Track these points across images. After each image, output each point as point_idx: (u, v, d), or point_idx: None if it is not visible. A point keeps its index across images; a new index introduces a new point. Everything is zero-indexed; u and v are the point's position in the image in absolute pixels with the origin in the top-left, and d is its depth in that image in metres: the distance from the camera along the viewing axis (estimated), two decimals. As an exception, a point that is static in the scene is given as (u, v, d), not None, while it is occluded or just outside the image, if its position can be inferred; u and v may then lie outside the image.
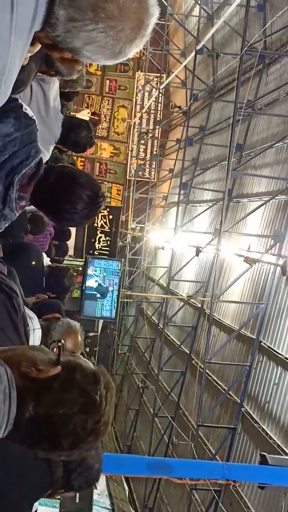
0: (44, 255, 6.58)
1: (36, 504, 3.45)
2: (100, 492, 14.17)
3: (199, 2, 18.15)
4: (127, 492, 16.15)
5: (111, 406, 1.69)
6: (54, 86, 4.28)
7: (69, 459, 1.82)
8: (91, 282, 20.79)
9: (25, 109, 2.36)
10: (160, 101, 24.66)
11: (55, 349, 1.69)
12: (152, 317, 20.84)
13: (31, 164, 2.32)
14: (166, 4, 20.15)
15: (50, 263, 6.63)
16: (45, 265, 6.16)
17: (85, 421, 1.62)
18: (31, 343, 2.92)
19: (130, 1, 1.47)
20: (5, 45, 1.42)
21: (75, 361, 1.70)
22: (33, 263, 5.53)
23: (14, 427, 1.57)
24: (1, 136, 2.19)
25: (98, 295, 20.83)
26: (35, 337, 3.15)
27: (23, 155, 2.27)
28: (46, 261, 6.45)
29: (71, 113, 8.55)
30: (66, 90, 5.16)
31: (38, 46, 1.68)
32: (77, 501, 11.95)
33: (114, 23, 1.47)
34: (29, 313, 3.22)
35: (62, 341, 1.72)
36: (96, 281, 20.88)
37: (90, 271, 20.85)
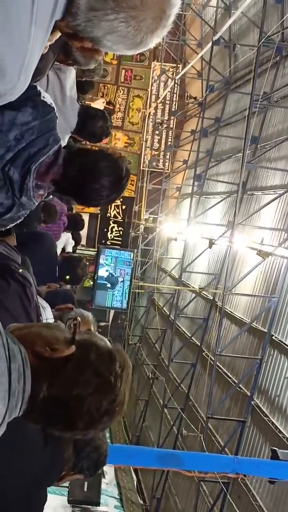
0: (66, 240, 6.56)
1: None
2: (108, 482, 14.24)
3: (216, -7, 18.05)
4: (135, 482, 16.21)
5: (127, 385, 1.68)
6: (71, 75, 4.26)
7: (84, 437, 1.80)
8: (102, 272, 20.84)
9: (43, 97, 2.34)
10: (175, 92, 24.53)
11: (72, 326, 1.68)
12: (164, 308, 20.84)
13: (49, 152, 2.30)
14: (184, -6, 20.04)
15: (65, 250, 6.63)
16: (58, 253, 6.16)
17: (99, 402, 1.61)
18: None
19: None
20: (26, 35, 1.41)
21: (91, 340, 1.69)
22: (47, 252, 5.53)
23: (28, 407, 1.57)
24: (18, 124, 2.18)
25: (109, 285, 20.87)
26: (48, 327, 3.15)
27: (40, 144, 2.26)
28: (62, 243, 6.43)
29: (86, 102, 8.53)
30: (83, 79, 5.14)
31: (58, 35, 1.66)
32: (85, 489, 12.00)
33: (135, 13, 1.45)
34: (42, 303, 3.22)
35: (78, 318, 1.71)
36: (106, 270, 20.91)
37: (101, 260, 20.89)
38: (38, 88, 2.36)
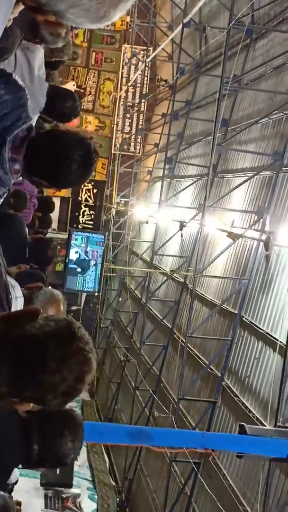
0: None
1: (16, 473, 3.49)
2: (80, 464, 14.35)
3: (187, -25, 17.98)
4: (107, 464, 16.34)
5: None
6: (39, 54, 4.24)
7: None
8: (72, 254, 20.78)
9: (15, 76, 2.38)
10: (146, 75, 24.49)
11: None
12: (135, 291, 20.90)
13: (23, 126, 2.33)
14: (154, -24, 19.95)
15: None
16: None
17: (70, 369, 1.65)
18: (13, 310, 2.93)
19: None
20: None
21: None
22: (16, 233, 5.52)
23: None
24: None
25: (79, 270, 20.81)
26: (18, 305, 3.17)
27: (13, 117, 2.29)
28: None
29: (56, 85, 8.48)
30: (53, 60, 5.12)
31: (21, 7, 1.67)
32: (57, 472, 12.05)
33: None
34: (11, 281, 3.22)
35: None
36: (76, 252, 20.84)
37: (72, 241, 20.86)
38: (10, 70, 2.39)
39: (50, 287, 3.48)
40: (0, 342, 1.60)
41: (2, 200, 2.64)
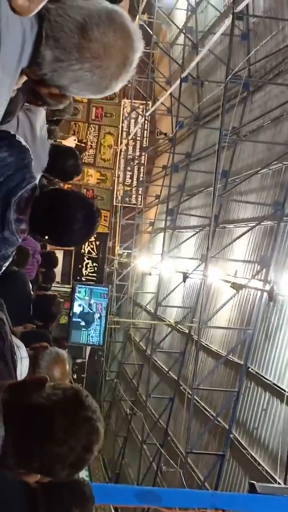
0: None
1: None
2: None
3: (183, 31, 18.40)
4: (115, 520, 15.99)
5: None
6: (40, 115, 4.31)
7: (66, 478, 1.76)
8: (76, 307, 20.72)
9: (18, 138, 2.41)
10: (146, 128, 24.83)
11: None
12: (140, 343, 20.77)
13: (27, 187, 2.35)
14: (151, 33, 20.40)
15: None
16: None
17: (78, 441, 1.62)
18: (18, 372, 2.92)
19: (114, 40, 1.50)
20: None
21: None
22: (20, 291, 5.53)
23: (2, 452, 1.57)
24: None
25: (83, 323, 20.70)
26: (23, 366, 3.15)
27: (18, 179, 2.31)
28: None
29: (58, 140, 8.60)
30: (54, 119, 5.21)
31: (25, 78, 1.71)
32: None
33: (99, 62, 1.49)
34: (17, 342, 3.21)
35: None
36: (79, 305, 20.77)
37: (75, 293, 20.82)
38: (12, 132, 2.41)
39: (55, 347, 3.46)
40: (7, 412, 1.58)
41: (11, 259, 2.64)
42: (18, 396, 1.62)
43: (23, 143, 2.44)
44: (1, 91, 1.50)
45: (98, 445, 1.65)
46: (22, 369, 3.13)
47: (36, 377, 1.69)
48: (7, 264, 2.55)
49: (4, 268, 2.55)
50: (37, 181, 4.28)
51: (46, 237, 3.09)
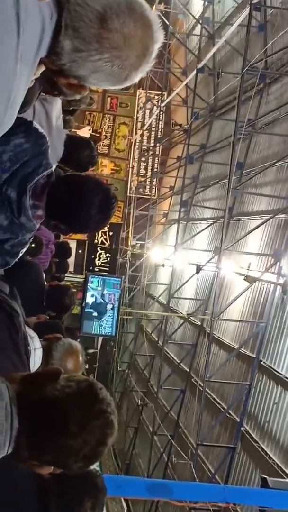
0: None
1: None
2: (98, 511, 14.09)
3: (200, 21, 18.29)
4: (125, 511, 16.05)
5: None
6: (56, 105, 4.28)
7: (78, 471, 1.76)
8: (88, 297, 20.74)
9: (35, 125, 2.40)
10: (161, 119, 24.73)
11: None
12: (152, 334, 20.79)
13: (44, 173, 2.35)
14: (168, 23, 20.31)
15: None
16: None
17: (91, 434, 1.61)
18: (31, 362, 2.93)
19: (134, 30, 1.48)
20: (11, 73, 1.43)
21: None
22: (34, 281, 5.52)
23: (16, 444, 1.56)
24: (12, 146, 2.23)
25: (95, 314, 20.73)
26: (36, 356, 3.15)
27: (34, 164, 2.30)
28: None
29: (73, 130, 8.59)
30: (70, 108, 5.18)
31: (43, 68, 1.69)
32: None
33: (119, 53, 1.48)
34: (30, 332, 3.21)
35: None
36: (92, 295, 20.79)
37: (88, 284, 20.85)
38: (29, 119, 2.41)
39: (68, 339, 3.46)
40: (20, 404, 1.57)
41: (28, 245, 2.63)
42: (32, 388, 1.62)
43: (40, 130, 2.44)
44: (19, 82, 1.48)
45: (112, 438, 1.64)
46: (36, 360, 3.13)
47: (50, 369, 1.68)
48: (24, 250, 2.55)
49: (21, 254, 2.55)
50: (53, 169, 4.29)
51: (62, 226, 3.08)
